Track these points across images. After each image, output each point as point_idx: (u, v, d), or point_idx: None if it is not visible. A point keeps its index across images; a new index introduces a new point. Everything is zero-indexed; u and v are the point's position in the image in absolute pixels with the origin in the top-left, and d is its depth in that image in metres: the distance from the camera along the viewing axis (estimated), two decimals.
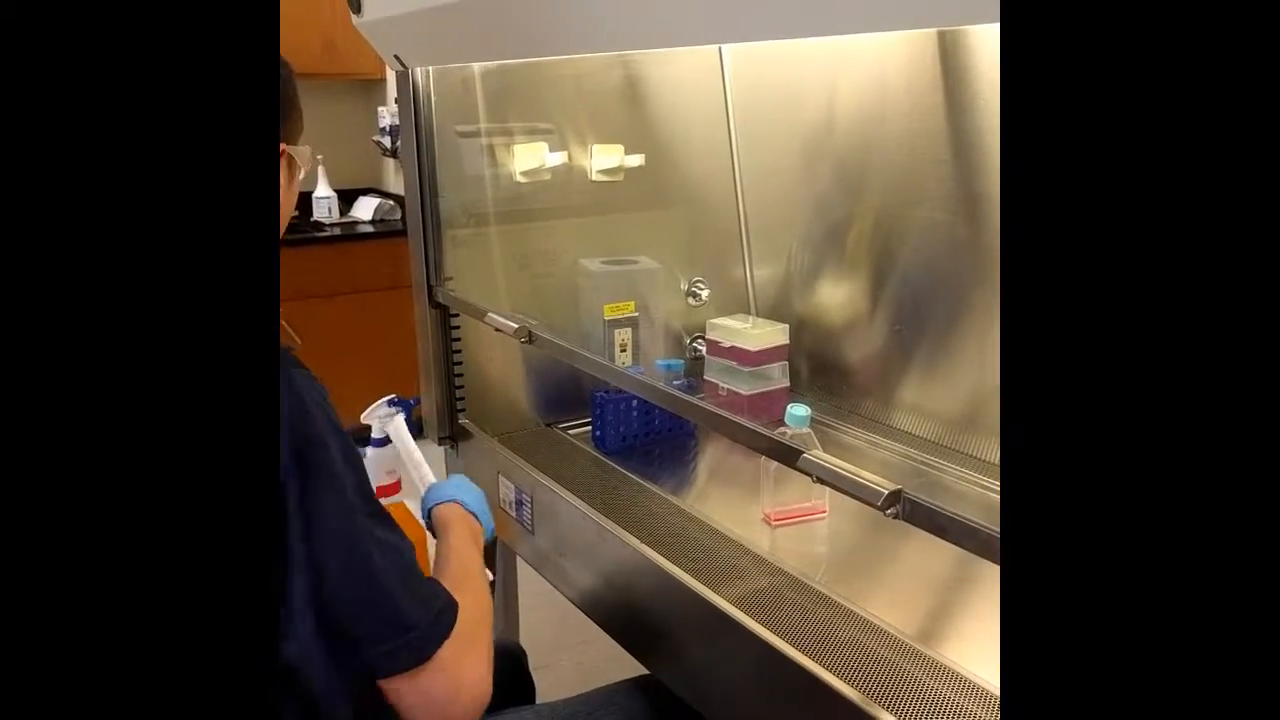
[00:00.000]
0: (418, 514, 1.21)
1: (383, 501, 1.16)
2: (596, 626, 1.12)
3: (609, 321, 1.39)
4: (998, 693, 0.76)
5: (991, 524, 0.62)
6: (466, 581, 0.82)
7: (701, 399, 1.23)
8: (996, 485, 1.14)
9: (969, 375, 1.21)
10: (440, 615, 0.72)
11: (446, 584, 0.78)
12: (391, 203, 3.10)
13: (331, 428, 0.70)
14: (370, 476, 1.36)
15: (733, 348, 1.35)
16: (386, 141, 3.10)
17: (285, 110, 0.75)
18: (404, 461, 1.14)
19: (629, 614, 1.05)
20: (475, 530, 0.94)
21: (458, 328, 1.37)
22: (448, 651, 0.71)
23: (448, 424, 1.39)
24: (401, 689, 0.70)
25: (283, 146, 0.74)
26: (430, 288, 1.34)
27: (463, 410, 1.38)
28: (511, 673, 1.17)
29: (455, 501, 0.96)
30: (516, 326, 1.13)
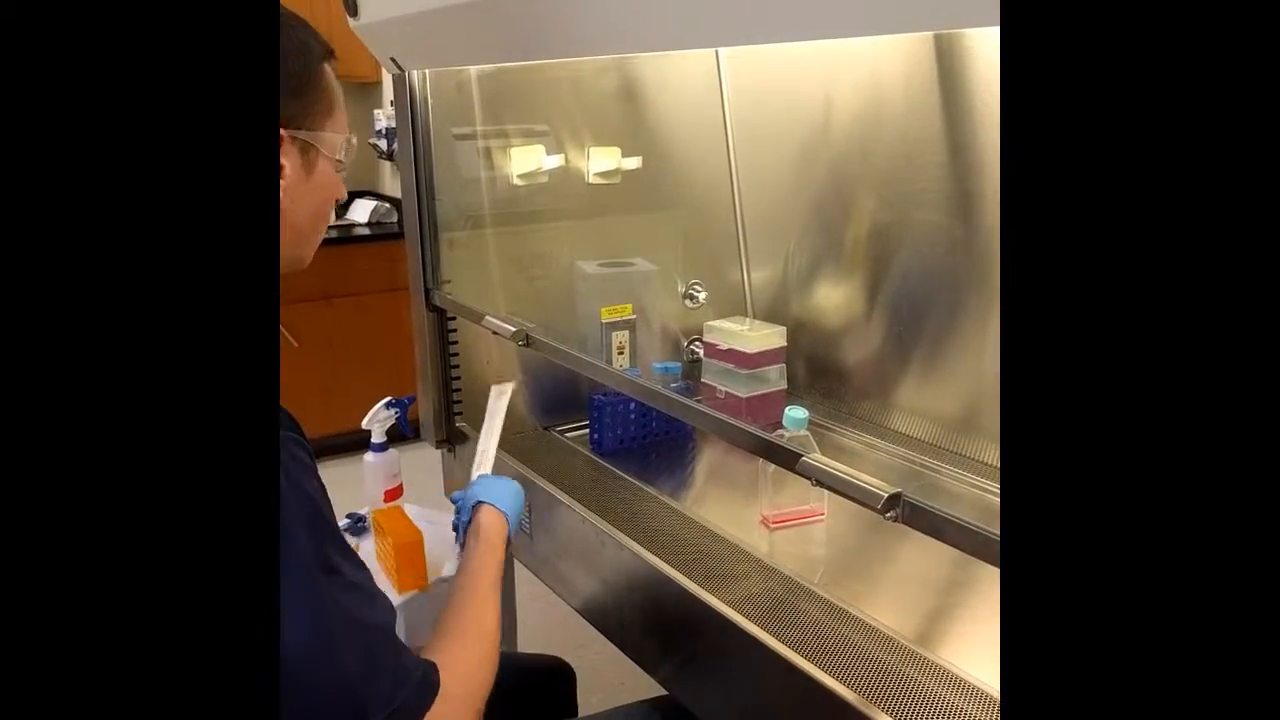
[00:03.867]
0: (414, 517, 1.20)
1: (383, 506, 1.14)
2: (595, 630, 1.12)
3: (606, 324, 1.39)
4: (994, 694, 0.76)
5: (989, 526, 0.62)
6: (471, 632, 0.79)
7: (699, 402, 1.24)
8: (994, 487, 1.14)
9: (966, 377, 1.22)
10: (410, 696, 0.68)
11: (453, 625, 0.78)
12: (388, 205, 3.10)
13: (294, 491, 0.64)
14: (373, 481, 1.35)
15: (730, 350, 1.35)
16: (383, 144, 3.10)
17: (297, 92, 0.71)
18: (483, 436, 1.11)
19: (627, 617, 1.05)
20: (502, 545, 0.91)
21: (454, 330, 1.37)
22: None
23: (445, 427, 1.39)
24: None
25: (287, 133, 0.70)
26: (427, 291, 1.34)
27: (460, 414, 1.38)
28: (556, 691, 1.16)
29: (494, 507, 0.93)
30: (514, 330, 1.13)
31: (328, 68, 0.76)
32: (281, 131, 0.70)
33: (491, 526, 0.91)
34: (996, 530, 0.61)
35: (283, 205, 0.72)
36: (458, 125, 1.32)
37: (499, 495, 0.95)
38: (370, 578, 0.71)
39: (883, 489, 0.67)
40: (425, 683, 0.70)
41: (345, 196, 0.82)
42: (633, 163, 1.42)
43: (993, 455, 1.19)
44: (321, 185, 0.76)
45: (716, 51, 1.46)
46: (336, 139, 0.76)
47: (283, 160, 0.71)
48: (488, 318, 1.19)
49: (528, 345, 1.12)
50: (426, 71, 1.27)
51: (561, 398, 1.40)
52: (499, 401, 1.13)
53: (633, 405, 1.29)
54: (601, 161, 1.40)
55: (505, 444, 1.30)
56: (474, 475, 1.05)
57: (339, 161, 0.77)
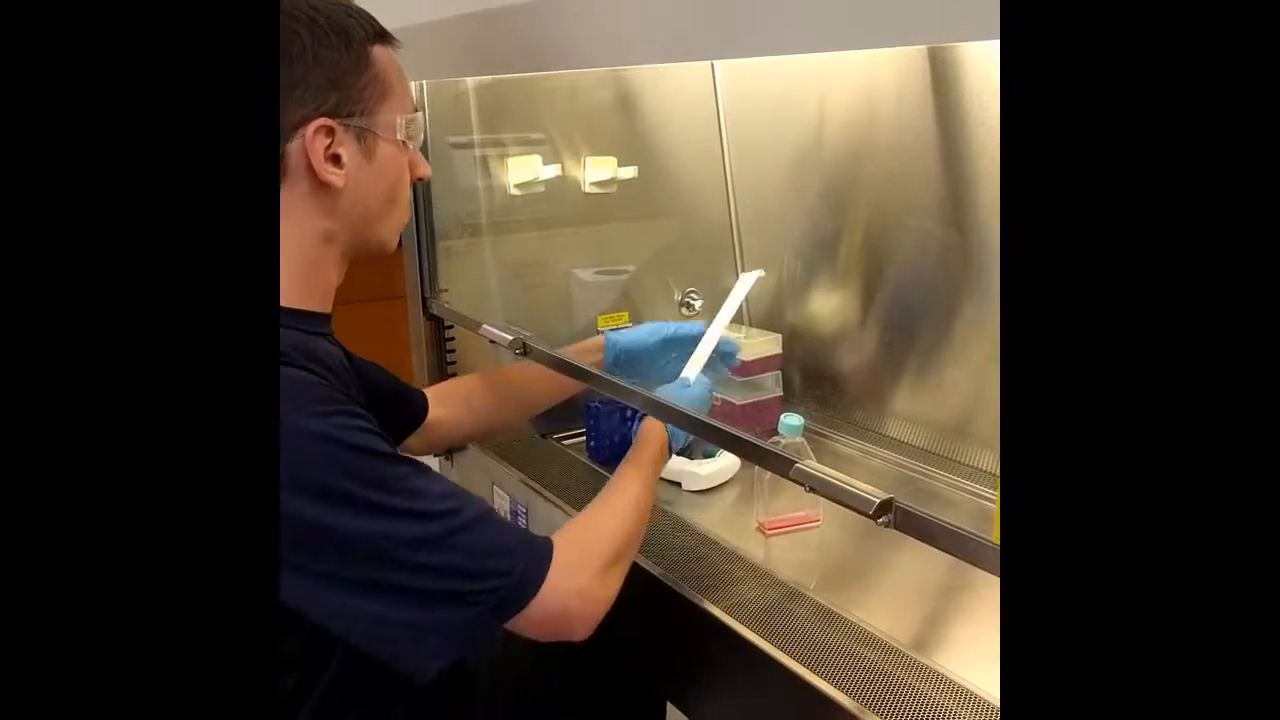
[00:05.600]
0: None
1: None
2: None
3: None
4: (990, 699, 0.76)
5: (982, 532, 0.62)
6: (606, 502, 0.85)
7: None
8: (988, 492, 1.15)
9: (960, 383, 1.22)
10: (527, 569, 0.73)
11: (595, 503, 0.84)
12: None
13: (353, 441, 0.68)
14: None
15: None
16: None
17: (338, 81, 0.73)
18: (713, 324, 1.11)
19: (621, 623, 1.06)
20: (662, 451, 0.94)
21: (452, 339, 1.37)
22: (545, 591, 0.73)
23: None
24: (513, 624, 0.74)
25: (337, 122, 0.73)
26: (424, 299, 1.35)
27: None
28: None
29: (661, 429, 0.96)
30: (511, 339, 1.14)
31: (378, 51, 0.77)
32: (331, 122, 0.73)
33: (650, 432, 0.93)
34: (989, 535, 0.62)
35: (346, 191, 0.75)
36: (455, 135, 1.33)
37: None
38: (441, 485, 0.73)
39: (875, 495, 0.68)
40: (535, 555, 0.74)
41: (427, 174, 0.84)
42: (629, 172, 1.43)
43: (986, 461, 1.19)
44: (387, 168, 0.78)
45: (712, 62, 1.47)
46: (394, 120, 0.77)
47: (339, 149, 0.74)
48: (485, 326, 1.20)
49: (525, 354, 1.13)
50: (424, 82, 1.28)
51: (558, 405, 1.40)
52: (739, 287, 1.11)
53: (629, 413, 1.29)
54: (598, 171, 1.41)
55: (503, 452, 1.31)
56: (687, 368, 1.06)
57: (404, 142, 0.79)
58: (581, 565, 0.77)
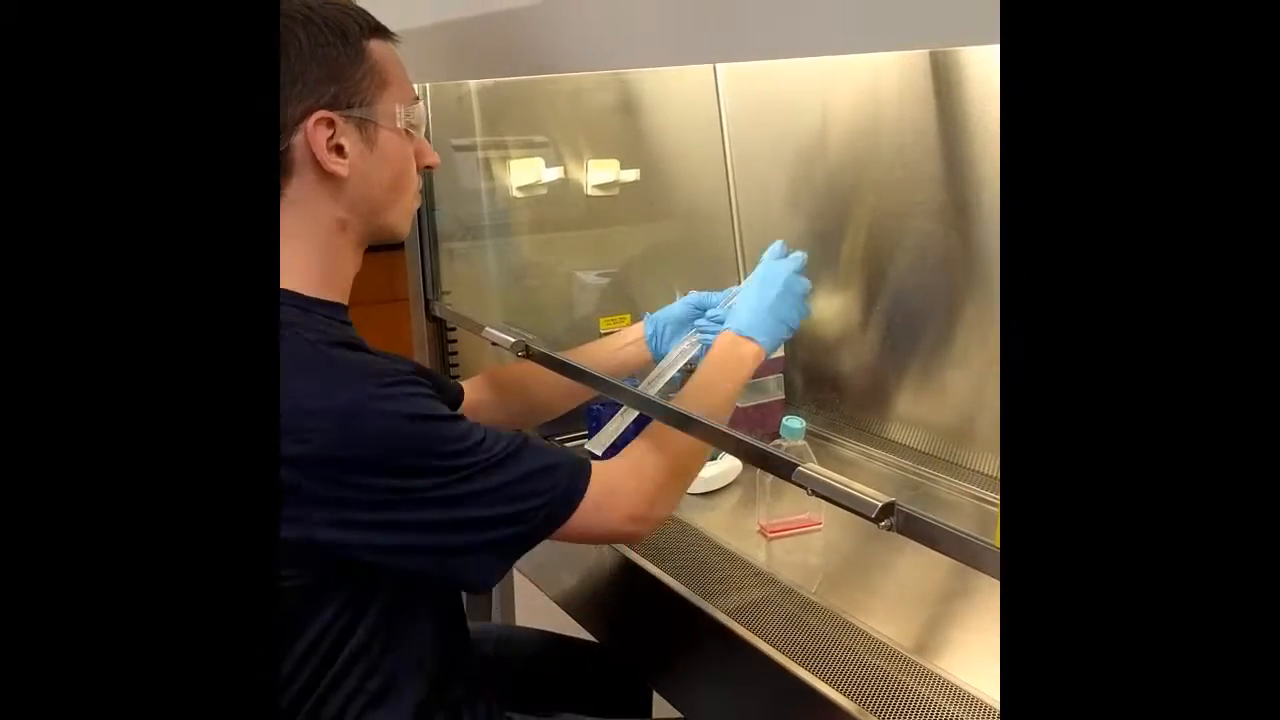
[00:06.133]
0: None
1: None
2: (594, 638, 1.12)
3: (605, 335, 1.40)
4: (992, 703, 0.76)
5: (984, 536, 0.62)
6: (652, 434, 0.89)
7: None
8: (990, 496, 1.15)
9: (963, 387, 1.22)
10: (568, 488, 0.79)
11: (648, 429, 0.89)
12: None
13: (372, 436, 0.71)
14: None
15: None
16: None
17: (336, 75, 0.76)
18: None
19: (624, 626, 1.06)
20: (739, 362, 0.95)
21: (455, 341, 1.38)
22: (582, 510, 0.79)
23: None
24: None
25: (337, 115, 0.76)
26: (427, 302, 1.35)
27: None
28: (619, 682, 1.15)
29: (730, 331, 0.97)
30: (514, 341, 1.14)
31: (374, 44, 0.79)
32: (331, 114, 0.75)
33: (718, 358, 0.96)
34: (991, 539, 0.62)
35: (352, 180, 0.78)
36: (458, 137, 1.33)
37: (751, 322, 0.97)
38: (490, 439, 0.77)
39: (876, 498, 0.67)
40: (578, 468, 0.81)
41: (435, 162, 0.87)
42: (631, 174, 1.43)
43: (989, 464, 1.19)
44: (390, 156, 0.80)
45: (714, 65, 1.47)
46: (393, 109, 0.79)
47: (341, 140, 0.76)
48: (487, 328, 1.20)
49: (527, 356, 1.13)
50: (426, 85, 1.28)
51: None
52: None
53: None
54: (600, 173, 1.41)
55: None
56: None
57: (407, 131, 0.81)
58: (635, 492, 0.83)
